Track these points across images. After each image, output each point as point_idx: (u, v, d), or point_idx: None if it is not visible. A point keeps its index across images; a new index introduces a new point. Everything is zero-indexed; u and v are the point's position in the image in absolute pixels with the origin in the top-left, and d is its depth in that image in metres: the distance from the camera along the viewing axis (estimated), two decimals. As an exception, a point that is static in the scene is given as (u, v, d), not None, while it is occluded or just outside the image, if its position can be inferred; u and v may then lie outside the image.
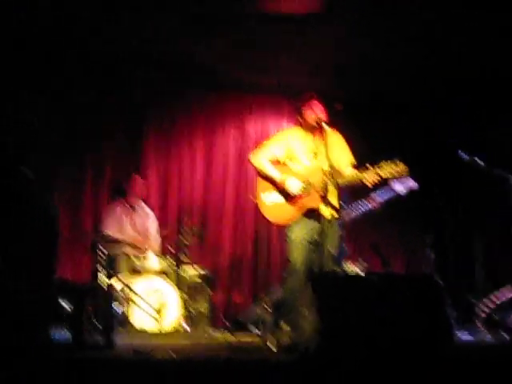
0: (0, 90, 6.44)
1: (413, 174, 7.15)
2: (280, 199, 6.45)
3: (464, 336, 7.87)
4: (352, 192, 7.80)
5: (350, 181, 6.26)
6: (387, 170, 6.11)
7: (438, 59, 9.00)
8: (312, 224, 6.37)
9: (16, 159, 3.39)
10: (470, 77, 9.33)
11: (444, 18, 7.80)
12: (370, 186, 6.25)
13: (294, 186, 6.35)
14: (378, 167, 6.12)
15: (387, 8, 7.61)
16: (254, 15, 7.81)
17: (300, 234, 6.37)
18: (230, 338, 7.51)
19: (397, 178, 6.50)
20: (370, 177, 6.16)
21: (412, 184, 7.64)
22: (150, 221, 9.12)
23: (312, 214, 6.35)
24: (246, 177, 10.09)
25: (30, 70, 8.54)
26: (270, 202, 6.50)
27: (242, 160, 10.17)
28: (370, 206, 7.93)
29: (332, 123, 6.42)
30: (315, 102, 6.51)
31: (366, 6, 7.58)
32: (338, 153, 6.45)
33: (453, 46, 8.60)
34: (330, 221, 6.12)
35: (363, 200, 8.05)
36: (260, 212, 6.62)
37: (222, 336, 7.90)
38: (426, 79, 9.63)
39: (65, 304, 5.53)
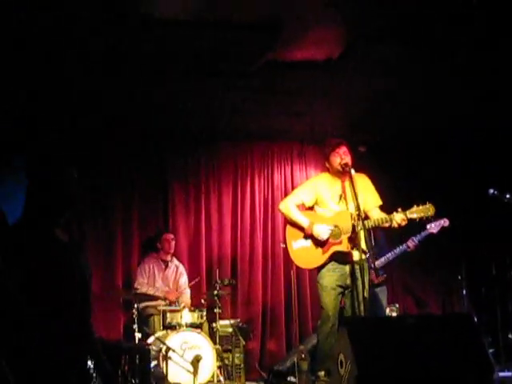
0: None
1: (443, 213, 7.21)
2: (308, 244, 6.51)
3: (505, 373, 7.83)
4: (389, 235, 7.88)
5: (377, 223, 6.32)
6: (418, 212, 6.25)
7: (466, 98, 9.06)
8: (342, 268, 6.41)
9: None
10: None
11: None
12: (397, 227, 6.33)
13: (322, 231, 6.40)
14: (410, 211, 6.25)
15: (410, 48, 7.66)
16: (279, 63, 7.88)
17: (331, 280, 6.40)
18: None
19: (428, 219, 6.58)
20: (398, 219, 6.24)
21: (444, 222, 7.66)
22: (181, 275, 9.18)
23: (341, 257, 6.39)
24: (274, 225, 10.12)
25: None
26: (298, 247, 6.56)
27: (269, 208, 10.22)
28: (405, 247, 7.95)
29: (359, 166, 6.51)
30: (342, 147, 6.59)
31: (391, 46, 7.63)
32: (365, 196, 6.51)
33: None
34: (360, 264, 6.14)
35: (397, 243, 8.08)
36: (290, 259, 6.70)
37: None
38: (455, 117, 9.65)
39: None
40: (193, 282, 9.09)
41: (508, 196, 7.36)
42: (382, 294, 7.97)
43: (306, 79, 8.31)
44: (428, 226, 7.62)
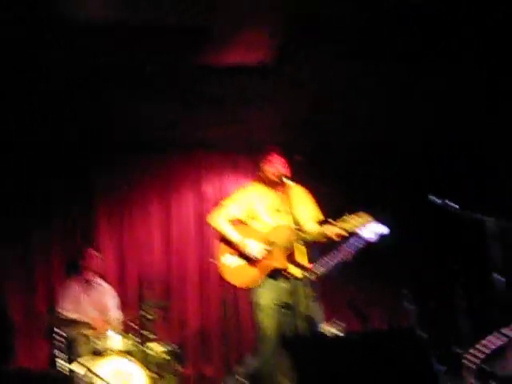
0: None
1: (382, 221, 7.26)
2: (242, 262, 6.47)
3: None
4: (322, 248, 7.87)
5: (315, 237, 6.31)
6: (351, 222, 6.23)
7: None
8: (280, 285, 6.39)
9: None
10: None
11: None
12: (335, 239, 6.34)
13: (254, 249, 6.37)
14: (342, 221, 6.23)
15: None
16: (210, 69, 7.91)
17: (268, 298, 6.39)
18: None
19: (363, 227, 6.57)
20: (334, 231, 6.24)
21: (381, 229, 7.69)
22: (108, 297, 9.06)
23: (278, 274, 6.38)
24: (208, 240, 10.07)
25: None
26: (231, 264, 6.51)
27: (202, 222, 10.18)
28: (340, 257, 7.95)
29: (296, 177, 6.51)
30: (276, 156, 6.58)
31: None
32: (302, 208, 6.50)
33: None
34: (300, 280, 6.14)
35: (333, 253, 8.08)
36: (223, 277, 6.64)
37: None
38: (396, 127, 9.80)
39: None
40: (127, 318, 8.94)
41: (450, 204, 7.41)
42: (318, 311, 7.93)
43: (239, 86, 8.34)
44: (359, 232, 7.63)
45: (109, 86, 8.14)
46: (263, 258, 6.36)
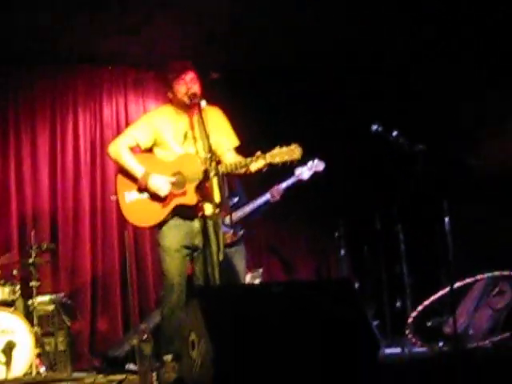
0: None
1: (315, 156, 7.27)
2: (144, 196, 6.40)
3: (392, 350, 8.04)
4: (248, 183, 7.86)
5: (232, 168, 6.24)
6: (281, 156, 6.15)
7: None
8: (189, 225, 6.36)
9: None
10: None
11: None
12: (255, 172, 6.28)
13: (159, 185, 6.27)
14: (271, 155, 6.15)
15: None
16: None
17: (175, 240, 6.33)
18: (99, 379, 7.43)
19: (294, 163, 6.52)
20: (258, 164, 6.18)
21: (316, 166, 7.72)
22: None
23: (187, 212, 6.33)
24: (104, 172, 10.00)
25: None
26: (131, 200, 6.43)
27: (98, 151, 10.08)
28: (268, 197, 7.96)
29: (211, 98, 6.43)
30: (188, 73, 6.49)
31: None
32: (219, 134, 6.43)
33: None
34: (213, 219, 6.09)
35: (263, 193, 8.08)
36: (123, 216, 6.56)
37: (88, 377, 7.79)
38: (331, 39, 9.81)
39: None
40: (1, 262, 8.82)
41: (395, 134, 7.41)
42: (239, 255, 7.93)
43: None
44: (297, 172, 7.65)
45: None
46: (169, 192, 6.29)
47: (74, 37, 9.37)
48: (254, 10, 8.87)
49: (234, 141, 6.62)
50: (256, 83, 10.50)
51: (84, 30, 9.24)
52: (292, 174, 7.70)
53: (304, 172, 7.67)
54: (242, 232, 7.98)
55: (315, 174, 7.70)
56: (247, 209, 8.01)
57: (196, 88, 6.41)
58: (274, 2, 8.72)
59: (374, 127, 7.44)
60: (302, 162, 7.11)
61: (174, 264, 6.30)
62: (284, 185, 7.88)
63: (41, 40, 9.34)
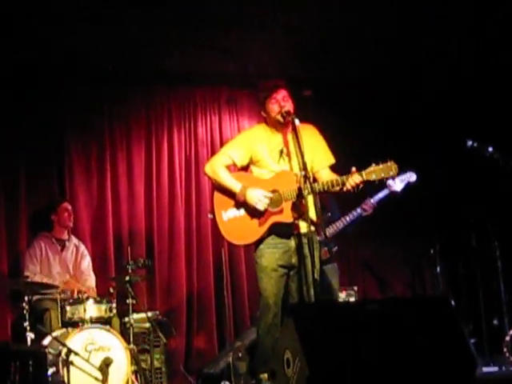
0: None
1: (409, 169, 7.22)
2: (241, 213, 6.42)
3: (490, 368, 7.94)
4: (340, 199, 7.84)
5: (327, 186, 6.22)
6: (377, 173, 6.10)
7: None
8: (286, 244, 6.35)
9: None
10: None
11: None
12: (351, 190, 6.24)
13: (257, 198, 6.28)
14: (367, 173, 6.11)
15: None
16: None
17: (272, 259, 6.33)
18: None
19: (391, 178, 6.52)
20: (354, 181, 6.14)
21: (409, 177, 7.66)
22: (83, 257, 9.07)
23: (283, 230, 6.33)
24: (199, 191, 10.07)
25: None
26: (229, 218, 6.45)
27: (193, 169, 10.15)
28: (360, 211, 7.93)
29: (304, 116, 6.44)
30: (280, 91, 6.50)
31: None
32: (313, 152, 6.43)
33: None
34: (309, 237, 6.09)
35: (356, 209, 8.04)
36: (220, 233, 6.59)
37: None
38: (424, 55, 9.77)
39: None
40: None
41: (490, 149, 7.36)
42: (333, 272, 7.93)
43: (235, 7, 8.29)
44: (388, 183, 7.59)
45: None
46: (266, 209, 6.29)
47: (172, 58, 9.51)
48: (343, 27, 8.88)
49: (329, 158, 6.59)
50: (347, 99, 10.49)
51: (180, 51, 9.36)
52: (384, 186, 7.64)
53: (396, 184, 7.62)
54: (335, 248, 7.96)
55: (408, 186, 7.64)
56: (340, 224, 7.98)
57: (289, 106, 6.41)
58: (362, 18, 8.71)
59: (469, 143, 7.40)
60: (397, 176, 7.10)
61: (270, 283, 6.29)
62: (376, 198, 7.84)
63: (139, 61, 9.50)
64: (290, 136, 6.37)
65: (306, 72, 9.60)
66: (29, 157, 9.50)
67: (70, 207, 9.10)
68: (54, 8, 7.99)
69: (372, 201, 7.85)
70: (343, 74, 10.07)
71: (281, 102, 6.43)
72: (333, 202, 8.12)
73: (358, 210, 7.93)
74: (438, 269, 9.51)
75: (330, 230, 7.90)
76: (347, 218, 7.97)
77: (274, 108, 6.46)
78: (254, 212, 6.32)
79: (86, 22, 8.43)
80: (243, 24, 8.69)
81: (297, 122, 6.26)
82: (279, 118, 6.41)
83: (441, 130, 10.35)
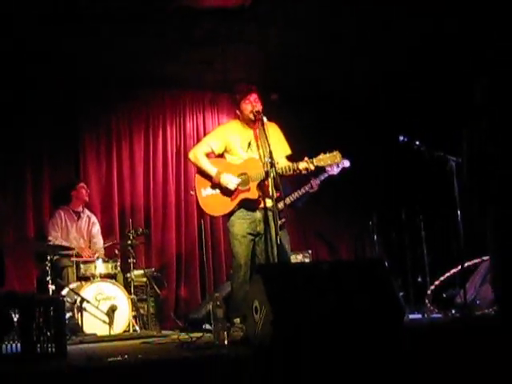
0: None
1: (350, 157, 7.22)
2: (216, 192, 6.48)
3: (415, 316, 8.01)
4: (292, 181, 7.85)
5: (283, 171, 6.31)
6: (325, 160, 6.29)
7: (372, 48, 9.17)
8: (252, 215, 6.41)
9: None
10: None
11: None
12: (304, 173, 6.37)
13: (229, 181, 6.37)
14: (317, 160, 6.27)
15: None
16: (190, 9, 7.82)
17: (241, 228, 6.40)
18: (181, 336, 7.47)
19: (334, 164, 6.67)
20: (305, 166, 6.26)
21: (343, 163, 7.63)
22: (93, 225, 9.10)
23: (250, 204, 6.40)
24: (187, 173, 10.08)
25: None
26: (206, 195, 6.51)
27: (182, 156, 10.15)
28: (309, 187, 7.91)
29: (270, 114, 6.47)
30: (253, 94, 6.53)
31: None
32: (275, 144, 6.44)
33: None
34: (270, 210, 6.17)
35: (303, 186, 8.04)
36: (199, 206, 6.66)
37: (173, 334, 7.82)
38: (360, 68, 9.75)
39: (14, 315, 5.44)
40: (107, 244, 8.95)
41: (417, 143, 7.43)
42: (285, 238, 7.90)
43: (217, 26, 8.26)
44: (327, 168, 7.55)
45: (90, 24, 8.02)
46: (236, 188, 6.37)
47: (167, 68, 9.52)
48: (303, 42, 8.88)
49: (286, 150, 6.67)
50: (305, 103, 10.54)
51: (173, 63, 9.37)
52: (324, 170, 7.64)
53: (333, 169, 7.59)
54: (284, 219, 7.94)
55: (344, 171, 7.61)
56: (293, 196, 7.97)
57: (259, 106, 6.45)
58: (322, 36, 8.71)
59: (401, 138, 7.44)
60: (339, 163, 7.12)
61: (241, 248, 6.35)
62: (318, 180, 7.81)
63: (140, 68, 9.46)
64: (258, 130, 6.40)
65: (273, 79, 9.56)
66: (52, 144, 9.53)
67: (83, 186, 9.10)
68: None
69: (317, 181, 7.82)
70: (302, 82, 10.07)
71: (253, 103, 6.47)
72: (285, 181, 8.11)
73: (307, 187, 7.89)
74: (375, 237, 9.56)
75: (285, 201, 7.86)
76: (298, 192, 7.95)
77: (247, 107, 6.49)
78: (226, 191, 6.40)
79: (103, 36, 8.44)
80: (224, 40, 8.66)
81: (265, 119, 6.31)
82: (251, 116, 6.44)
83: (378, 124, 10.43)
